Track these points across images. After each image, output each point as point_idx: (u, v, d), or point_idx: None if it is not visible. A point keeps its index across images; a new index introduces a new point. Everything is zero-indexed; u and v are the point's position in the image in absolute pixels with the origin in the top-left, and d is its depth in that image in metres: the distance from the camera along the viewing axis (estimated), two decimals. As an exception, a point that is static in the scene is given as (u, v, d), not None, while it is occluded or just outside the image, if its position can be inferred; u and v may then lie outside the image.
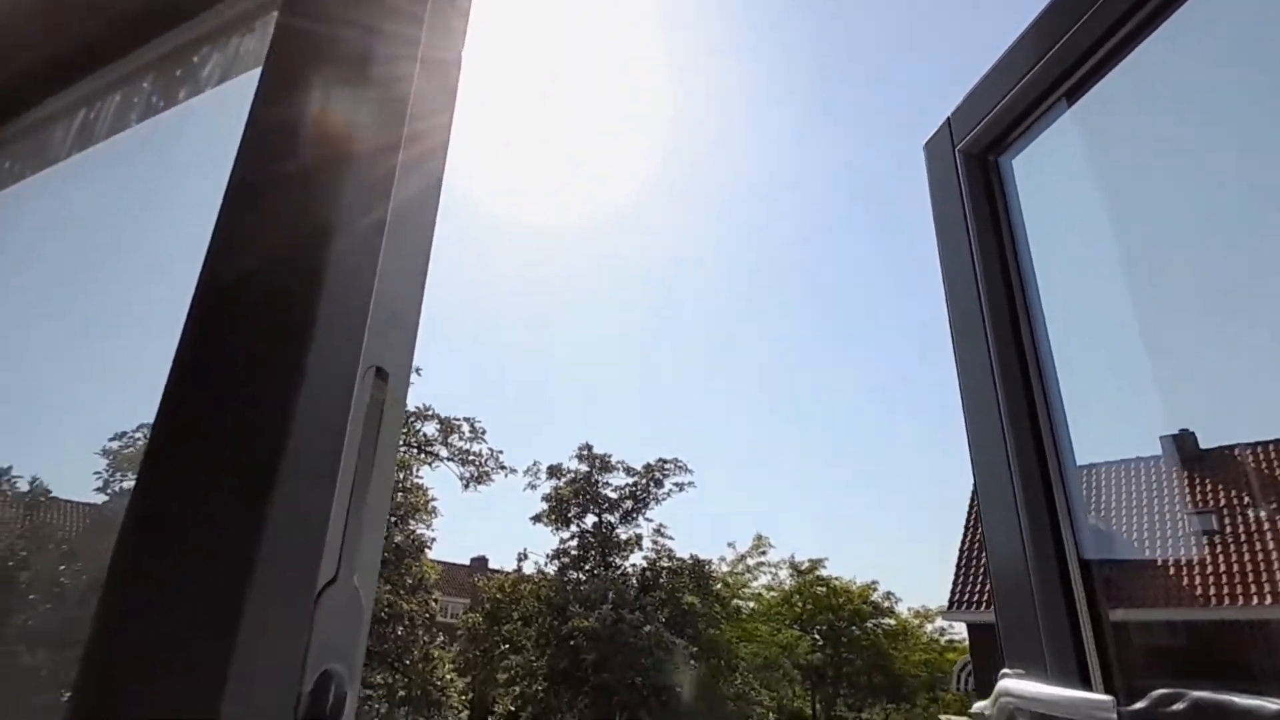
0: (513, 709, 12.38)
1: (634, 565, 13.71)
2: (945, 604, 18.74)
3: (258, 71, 0.71)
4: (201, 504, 0.50)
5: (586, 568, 13.45)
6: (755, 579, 22.41)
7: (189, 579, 0.48)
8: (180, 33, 0.95)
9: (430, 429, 13.32)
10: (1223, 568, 15.48)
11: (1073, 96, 1.07)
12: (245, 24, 0.92)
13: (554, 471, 14.10)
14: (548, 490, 13.84)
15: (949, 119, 1.23)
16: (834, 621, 26.56)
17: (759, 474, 45.57)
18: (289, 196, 0.61)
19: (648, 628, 11.50)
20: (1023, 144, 1.16)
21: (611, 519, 13.77)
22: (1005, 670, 0.98)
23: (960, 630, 20.34)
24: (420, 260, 0.66)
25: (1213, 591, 15.26)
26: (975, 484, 1.13)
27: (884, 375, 45.19)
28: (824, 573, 27.34)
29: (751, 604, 24.88)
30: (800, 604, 27.01)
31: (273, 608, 0.46)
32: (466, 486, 13.91)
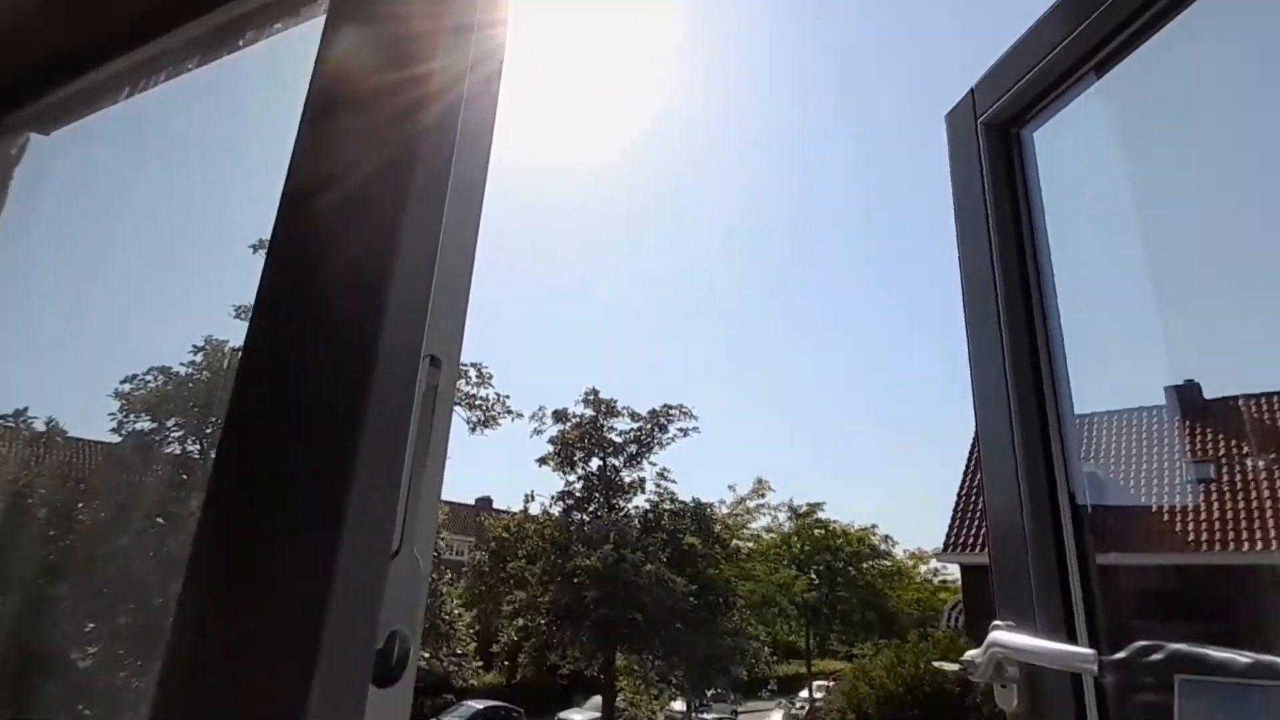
0: (516, 639, 12.82)
1: (636, 507, 13.99)
2: (940, 546, 19.17)
3: (320, 22, 0.72)
4: (292, 478, 0.53)
5: (590, 509, 13.72)
6: (754, 521, 22.90)
7: (285, 546, 0.51)
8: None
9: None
10: (1216, 514, 15.71)
11: (1102, 69, 1.06)
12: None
13: (560, 416, 14.23)
14: (554, 434, 14.03)
15: (972, 90, 1.23)
16: (831, 562, 27.23)
17: (763, 421, 45.99)
18: (358, 179, 0.63)
19: (649, 567, 11.79)
20: (1046, 116, 1.16)
21: (616, 462, 13.97)
22: (996, 622, 1.00)
23: (953, 571, 20.87)
24: (469, 240, 0.67)
25: (1205, 537, 15.52)
26: (977, 432, 1.14)
27: (890, 328, 45.12)
28: (822, 516, 27.91)
29: (750, 545, 25.47)
30: (798, 545, 27.65)
31: (355, 574, 0.49)
32: (473, 430, 14.12)
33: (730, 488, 32.56)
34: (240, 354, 0.61)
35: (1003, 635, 0.95)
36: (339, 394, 0.54)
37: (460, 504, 36.85)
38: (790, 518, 28.03)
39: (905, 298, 44.78)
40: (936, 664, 12.42)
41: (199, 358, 3.52)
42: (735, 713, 24.75)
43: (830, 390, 47.12)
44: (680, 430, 14.20)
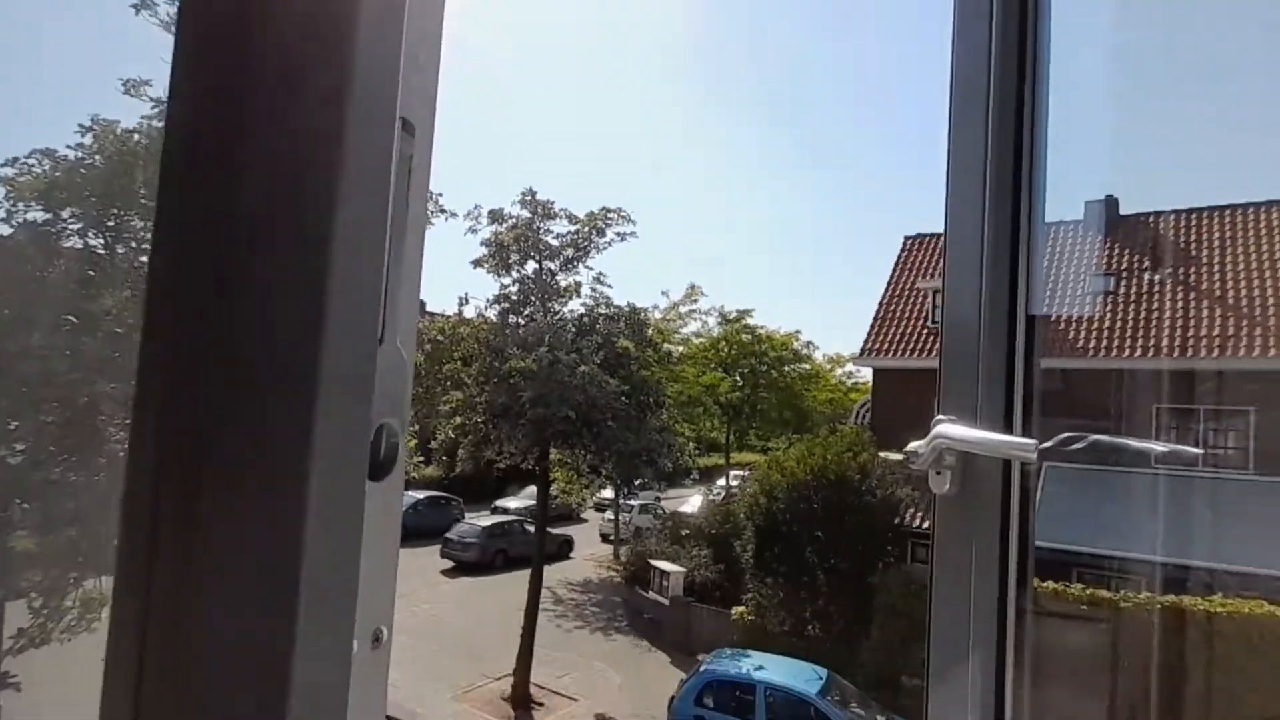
0: (454, 436, 13.35)
1: (572, 311, 14.09)
2: (857, 352, 20.46)
3: None
4: (260, 269, 0.47)
5: (526, 313, 13.76)
6: (686, 326, 23.64)
7: (263, 348, 0.46)
8: None
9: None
10: (1106, 323, 17.01)
11: None
12: None
13: (495, 216, 13.72)
14: (488, 235, 13.60)
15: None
16: (755, 365, 28.82)
17: (698, 229, 45.80)
18: None
19: (583, 369, 12.16)
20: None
21: (552, 266, 13.81)
22: (940, 416, 1.05)
23: (866, 375, 22.49)
24: None
25: (1092, 344, 16.92)
26: (946, 234, 1.14)
27: (822, 140, 44.07)
28: (751, 322, 29.04)
29: (681, 348, 26.50)
30: (726, 350, 28.97)
31: (341, 365, 0.46)
32: (400, 230, 13.57)
33: (664, 293, 32.91)
34: (164, 131, 0.49)
35: (947, 428, 1.01)
36: (307, 176, 0.46)
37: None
38: (720, 323, 29.07)
39: (857, 108, 43.42)
40: (883, 454, 13.70)
41: (88, 140, 3.13)
42: (659, 499, 27.33)
43: (766, 199, 46.94)
44: (618, 235, 14.00)
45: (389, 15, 0.49)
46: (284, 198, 0.47)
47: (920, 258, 21.68)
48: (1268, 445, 12.55)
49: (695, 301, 17.91)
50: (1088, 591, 11.84)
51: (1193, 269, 16.03)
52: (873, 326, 20.19)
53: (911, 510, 15.14)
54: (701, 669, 11.19)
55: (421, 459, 28.94)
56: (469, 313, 14.03)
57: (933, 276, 20.33)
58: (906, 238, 22.58)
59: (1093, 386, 15.43)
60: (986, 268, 1.05)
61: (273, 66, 0.47)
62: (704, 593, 16.31)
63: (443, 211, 13.87)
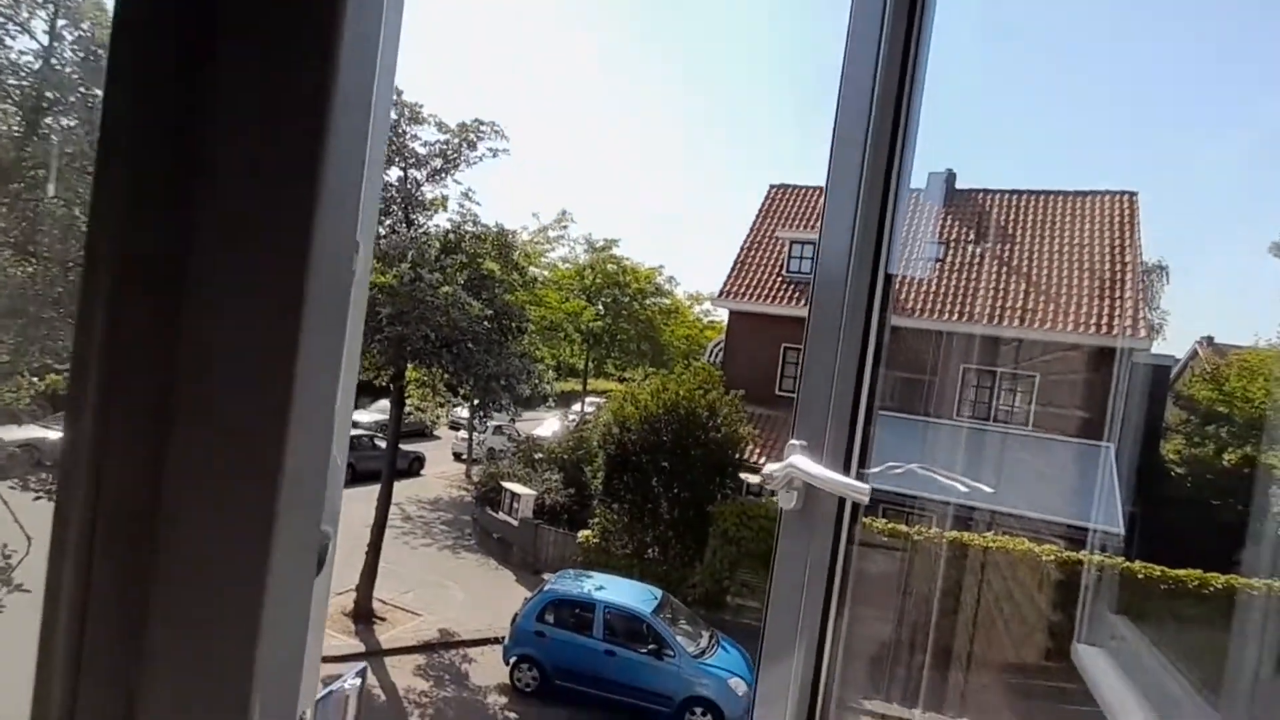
0: (303, 348, 12.61)
1: (438, 226, 13.46)
2: (716, 292, 21.28)
3: None
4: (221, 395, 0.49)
5: (387, 223, 13.00)
6: (553, 251, 23.38)
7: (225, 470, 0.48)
8: None
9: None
10: (933, 287, 18.68)
11: None
12: None
13: (354, 114, 12.68)
14: (347, 135, 12.57)
15: None
16: (618, 296, 29.16)
17: (574, 153, 44.63)
18: None
19: (446, 288, 11.78)
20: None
21: (418, 176, 13.04)
22: (793, 442, 1.15)
23: (722, 315, 23.50)
24: None
25: (921, 305, 18.54)
26: (827, 184, 1.18)
27: (699, 67, 44.02)
28: (617, 253, 29.19)
29: (547, 273, 26.25)
30: (590, 278, 29.03)
31: (301, 478, 0.49)
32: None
33: (534, 215, 32.15)
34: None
35: (799, 460, 1.13)
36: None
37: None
38: (587, 251, 28.99)
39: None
40: (744, 476, 14.40)
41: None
42: (514, 420, 27.39)
43: (639, 125, 46.48)
44: (490, 150, 13.38)
45: None
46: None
47: (783, 207, 22.61)
48: (1045, 406, 14.61)
49: (565, 227, 17.70)
50: (889, 525, 13.51)
51: (1008, 246, 18.03)
52: (733, 269, 21.00)
53: (751, 447, 16.34)
54: (545, 588, 11.70)
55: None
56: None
57: (793, 227, 21.35)
58: (772, 186, 23.40)
59: (918, 343, 17.18)
60: (858, 230, 1.13)
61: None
62: (553, 515, 16.84)
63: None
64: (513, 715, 10.63)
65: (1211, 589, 8.43)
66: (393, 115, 12.70)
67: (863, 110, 1.13)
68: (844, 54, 1.16)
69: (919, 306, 17.42)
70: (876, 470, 1.21)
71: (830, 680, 1.14)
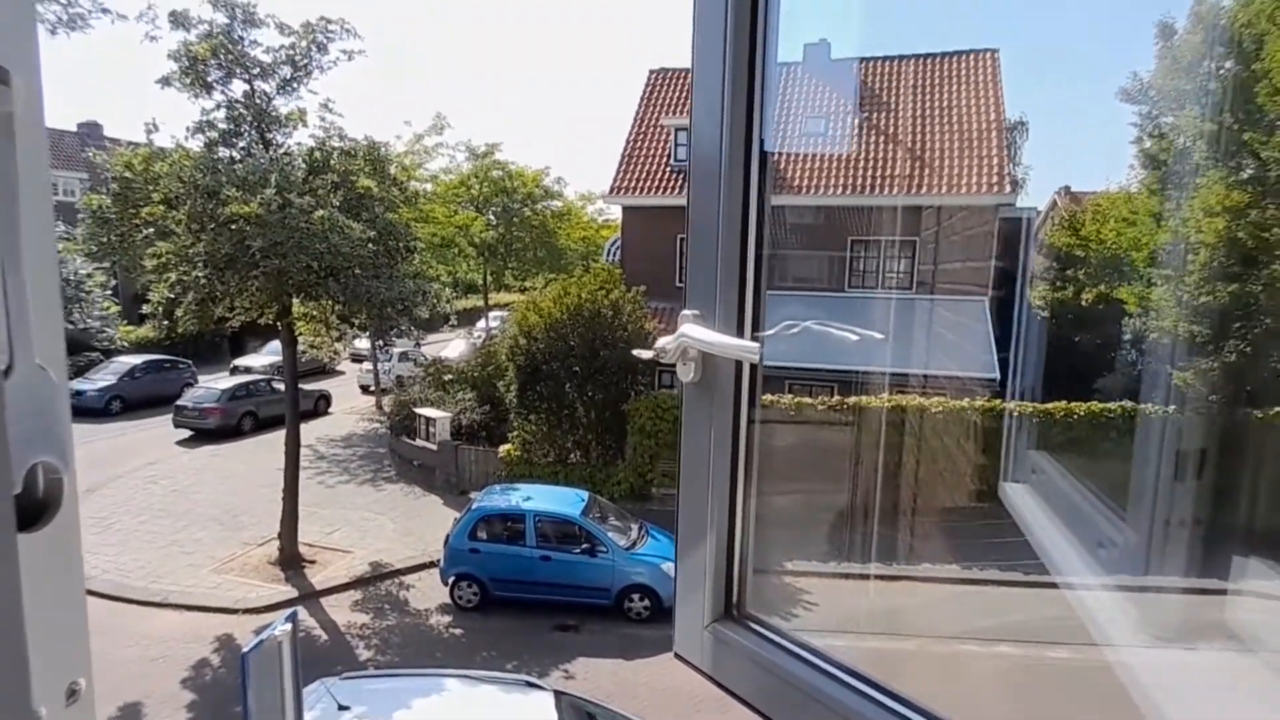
0: (171, 295, 11.59)
1: (300, 144, 12.31)
2: (607, 190, 20.86)
3: None
4: None
5: (240, 145, 11.77)
6: (433, 161, 21.88)
7: None
8: None
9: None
10: (817, 163, 18.96)
11: None
12: None
13: (178, 20, 11.08)
14: (175, 46, 11.05)
15: None
16: (508, 203, 28.11)
17: (439, 50, 41.39)
18: None
19: (320, 213, 10.95)
20: None
21: (266, 88, 11.74)
22: (685, 311, 1.15)
23: (615, 212, 23.16)
24: None
25: (807, 182, 18.87)
26: (692, 68, 1.16)
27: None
28: (500, 157, 27.88)
29: (429, 186, 24.78)
30: (477, 187, 27.75)
31: None
32: (54, 33, 10.49)
33: (406, 123, 30.13)
34: None
35: (690, 328, 1.13)
36: None
37: (59, 130, 28.96)
38: (469, 158, 27.54)
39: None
40: (635, 352, 14.39)
41: None
42: (418, 345, 26.62)
43: (511, 20, 43.48)
44: (344, 53, 12.13)
45: None
46: None
47: (665, 93, 22.05)
48: (924, 271, 15.46)
49: (441, 134, 16.46)
50: (795, 400, 14.24)
51: (883, 114, 18.39)
52: (621, 163, 20.55)
53: (657, 341, 16.58)
54: (473, 506, 11.80)
55: (130, 325, 24.76)
56: (163, 142, 11.61)
57: (677, 113, 20.92)
58: (651, 71, 22.68)
59: (810, 218, 17.58)
60: (728, 109, 1.09)
61: None
62: (471, 435, 16.78)
63: (105, 12, 10.98)
64: (458, 630, 10.92)
65: (1106, 416, 9.67)
66: (221, 18, 11.27)
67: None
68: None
69: (808, 183, 17.70)
70: (772, 332, 1.20)
71: (745, 548, 1.18)
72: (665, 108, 21.54)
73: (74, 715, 0.51)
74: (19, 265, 0.44)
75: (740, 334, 1.12)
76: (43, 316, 0.46)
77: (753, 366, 1.14)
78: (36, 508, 0.46)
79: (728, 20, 1.08)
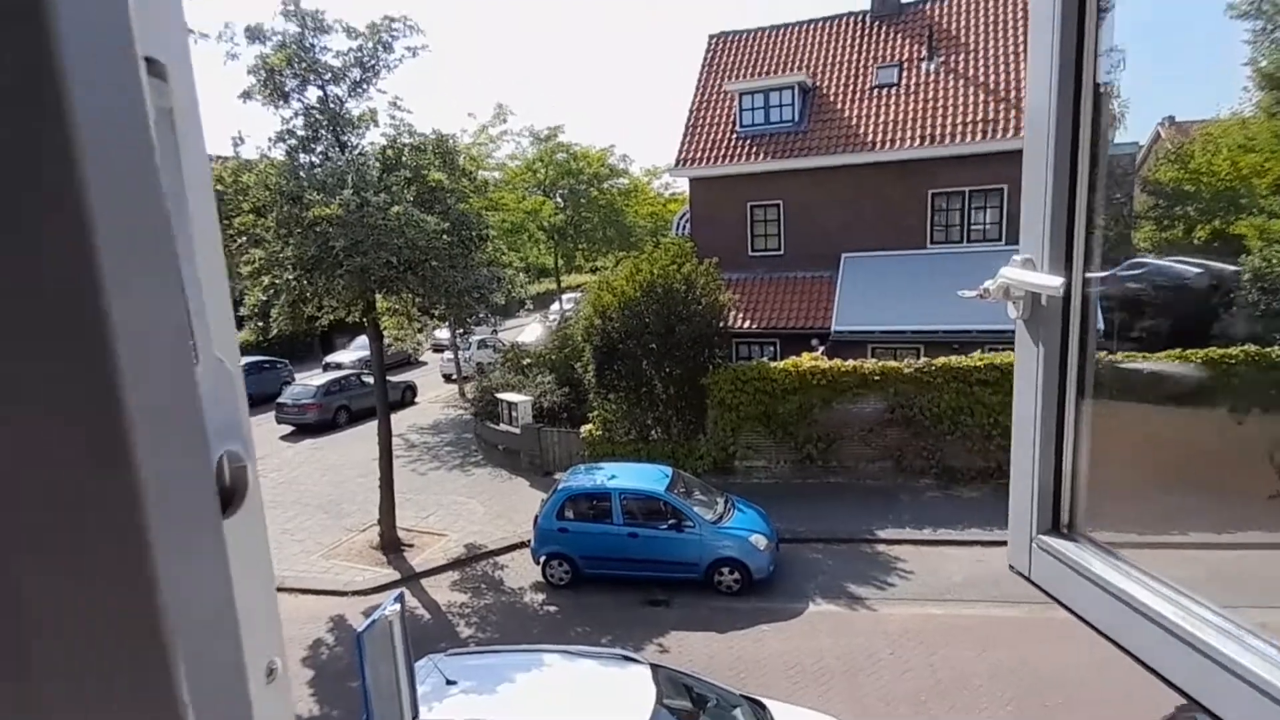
0: (263, 297, 12.21)
1: (373, 144, 12.68)
2: (672, 163, 20.57)
3: None
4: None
5: (319, 150, 12.23)
6: (498, 149, 22.27)
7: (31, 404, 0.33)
8: None
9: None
10: (889, 115, 18.09)
11: None
12: None
13: (254, 34, 11.56)
14: (252, 61, 11.53)
15: None
16: (574, 185, 28.27)
17: (495, 40, 41.71)
18: None
19: (396, 209, 11.27)
20: None
21: (338, 91, 12.13)
22: (1016, 256, 1.25)
23: (683, 185, 22.86)
24: None
25: (878, 137, 18.07)
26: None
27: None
28: (563, 139, 27.99)
29: (497, 174, 25.23)
30: (543, 171, 28.01)
31: (152, 400, 0.36)
32: (136, 59, 11.11)
33: (470, 115, 30.47)
34: None
35: (1006, 269, 1.23)
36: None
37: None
38: (533, 143, 27.79)
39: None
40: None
41: None
42: (496, 332, 27.27)
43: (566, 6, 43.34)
44: (409, 50, 12.38)
45: None
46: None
47: (726, 58, 21.40)
48: (1016, 218, 14.55)
49: (505, 121, 16.66)
50: (880, 364, 13.78)
51: (961, 56, 17.30)
52: (685, 134, 20.18)
53: (733, 313, 16.35)
54: (559, 487, 12.01)
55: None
56: (248, 154, 12.22)
57: (740, 77, 20.30)
58: (711, 36, 22.10)
59: (876, 178, 16.82)
60: (1057, 41, 1.14)
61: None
62: (553, 417, 17.08)
63: (190, 31, 11.52)
64: (552, 607, 11.21)
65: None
66: (293, 28, 11.66)
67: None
68: None
69: (880, 139, 16.90)
70: (1106, 274, 1.23)
71: (1076, 468, 1.23)
72: (728, 73, 20.94)
73: (273, 693, 0.53)
74: (193, 257, 0.45)
75: (1066, 273, 1.17)
76: (215, 308, 0.48)
77: (1085, 298, 1.18)
78: (226, 495, 0.47)
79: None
